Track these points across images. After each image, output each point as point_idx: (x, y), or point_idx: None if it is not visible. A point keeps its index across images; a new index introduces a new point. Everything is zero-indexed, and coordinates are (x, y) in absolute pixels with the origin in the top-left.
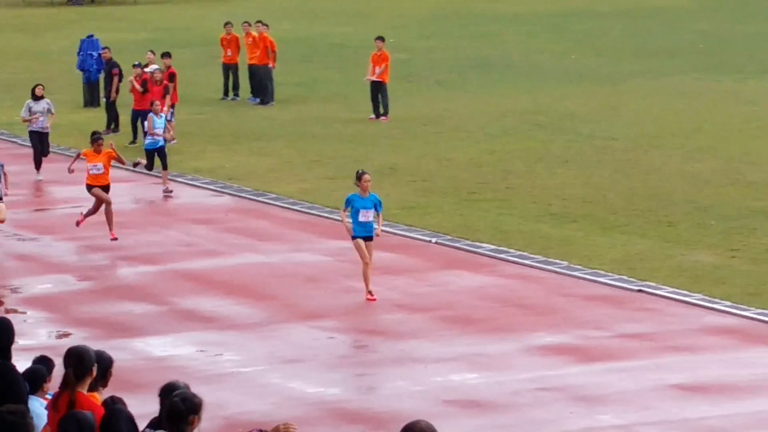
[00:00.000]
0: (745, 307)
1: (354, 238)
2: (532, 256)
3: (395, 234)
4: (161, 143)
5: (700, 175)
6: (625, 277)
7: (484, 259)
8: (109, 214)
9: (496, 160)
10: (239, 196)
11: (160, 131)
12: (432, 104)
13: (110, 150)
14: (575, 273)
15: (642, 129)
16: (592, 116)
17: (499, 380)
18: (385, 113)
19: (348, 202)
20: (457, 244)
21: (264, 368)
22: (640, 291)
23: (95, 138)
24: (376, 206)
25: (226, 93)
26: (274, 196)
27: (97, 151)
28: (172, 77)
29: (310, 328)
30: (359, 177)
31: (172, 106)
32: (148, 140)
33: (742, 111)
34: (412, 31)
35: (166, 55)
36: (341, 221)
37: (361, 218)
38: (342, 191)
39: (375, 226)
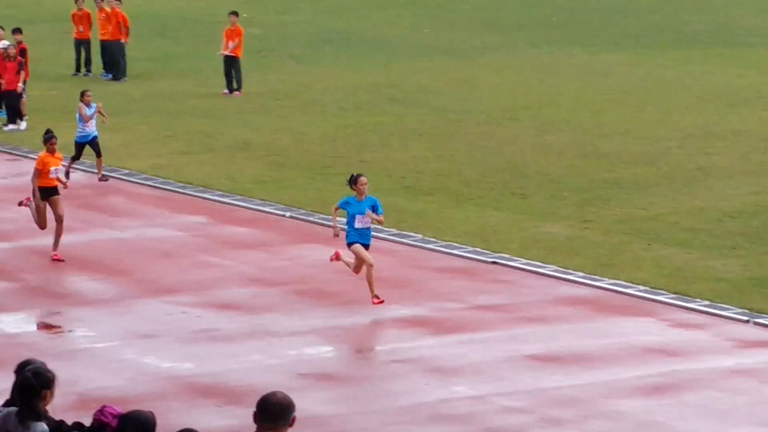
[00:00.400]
0: (598, 277)
1: (351, 243)
2: (386, 229)
3: (249, 208)
4: (94, 134)
5: (553, 147)
6: (479, 249)
7: None
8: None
9: (350, 134)
10: (92, 172)
11: (91, 123)
12: (286, 79)
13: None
14: (429, 245)
15: (495, 102)
16: (446, 90)
17: (354, 353)
18: (239, 88)
19: (344, 205)
20: (311, 218)
21: (118, 344)
22: (494, 263)
23: (49, 137)
24: (375, 209)
25: (78, 69)
26: (127, 171)
27: (51, 152)
28: (23, 53)
29: (164, 303)
30: (354, 180)
31: (24, 82)
32: (79, 132)
33: (594, 83)
34: (266, 5)
35: (17, 30)
36: (332, 220)
37: (357, 224)
38: (195, 166)
39: (376, 216)
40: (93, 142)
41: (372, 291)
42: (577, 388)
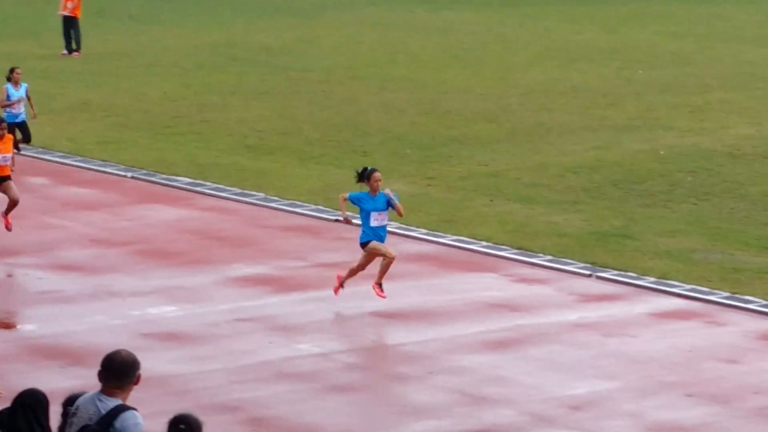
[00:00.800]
0: (441, 234)
1: (365, 243)
2: (228, 188)
3: (90, 169)
4: (22, 117)
5: (394, 104)
6: (321, 208)
7: (180, 193)
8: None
9: (191, 93)
10: None
11: (19, 105)
12: (125, 39)
13: (10, 134)
14: (272, 204)
15: (337, 60)
16: (287, 49)
17: (198, 312)
18: (78, 48)
19: (355, 201)
20: (153, 178)
21: None
22: (336, 221)
23: None
24: (390, 204)
25: None
26: None
27: (0, 137)
28: None
29: (5, 265)
30: (368, 176)
31: None
32: (6, 113)
33: (435, 41)
34: None
35: None
36: (340, 208)
37: (373, 222)
38: (35, 127)
39: (394, 203)
40: (21, 126)
41: (380, 278)
42: (421, 344)
